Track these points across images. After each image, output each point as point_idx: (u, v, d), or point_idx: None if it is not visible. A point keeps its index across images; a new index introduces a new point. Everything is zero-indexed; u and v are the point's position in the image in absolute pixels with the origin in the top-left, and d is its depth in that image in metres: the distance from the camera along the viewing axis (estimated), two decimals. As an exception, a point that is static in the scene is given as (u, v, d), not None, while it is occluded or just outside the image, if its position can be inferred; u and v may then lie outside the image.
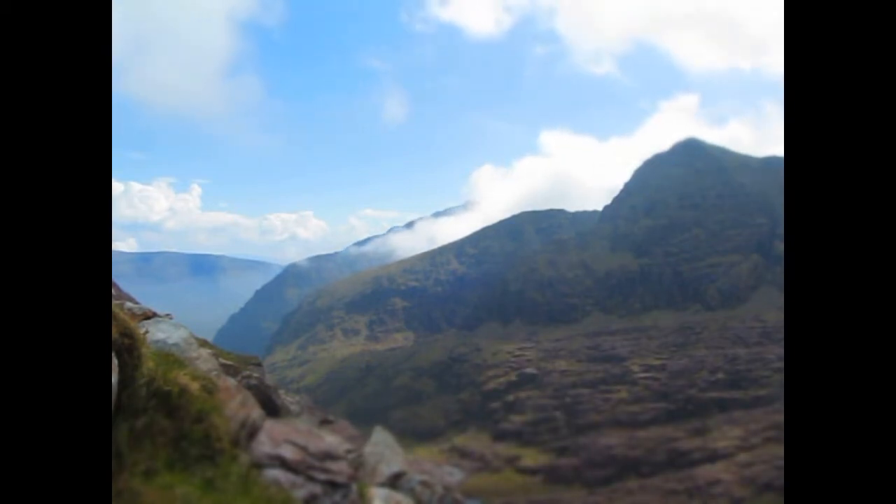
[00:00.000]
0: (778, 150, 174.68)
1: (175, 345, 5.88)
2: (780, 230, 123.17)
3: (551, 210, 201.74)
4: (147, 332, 5.46)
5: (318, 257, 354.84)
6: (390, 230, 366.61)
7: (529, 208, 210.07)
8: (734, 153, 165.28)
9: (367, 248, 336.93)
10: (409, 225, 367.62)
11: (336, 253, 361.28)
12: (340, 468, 5.83)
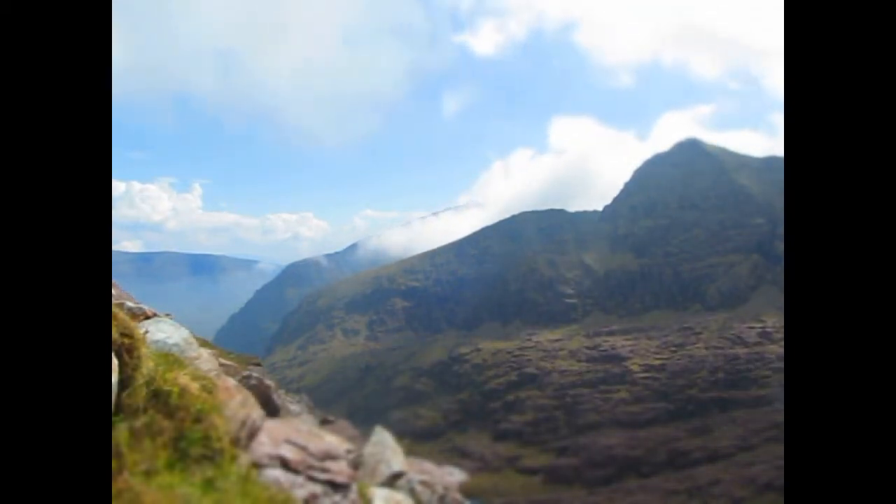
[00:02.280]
0: (778, 150, 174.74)
1: (175, 345, 5.88)
2: (780, 230, 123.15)
3: (551, 210, 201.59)
4: (147, 332, 5.46)
5: (318, 257, 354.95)
6: (391, 230, 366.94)
7: (535, 207, 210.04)
8: (734, 153, 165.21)
9: (368, 247, 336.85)
10: (410, 224, 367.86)
11: (336, 253, 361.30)
12: (340, 468, 5.83)
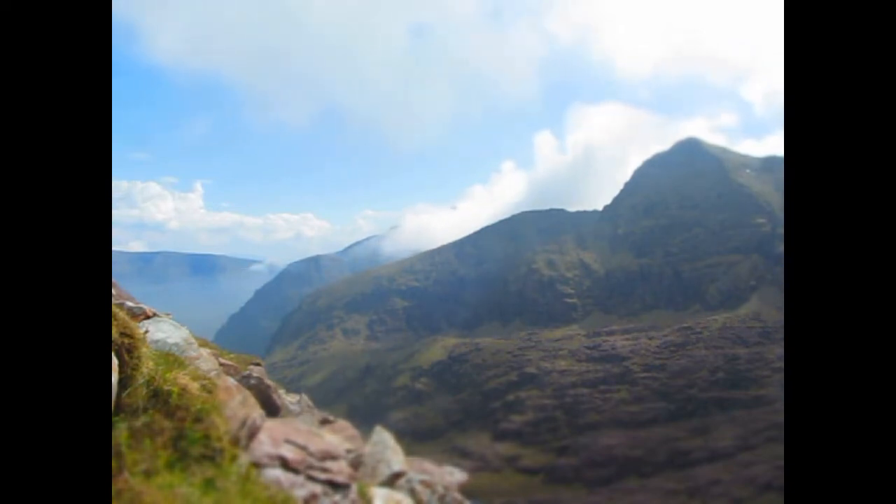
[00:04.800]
0: (779, 150, 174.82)
1: (175, 345, 5.88)
2: (780, 230, 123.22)
3: (551, 210, 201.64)
4: (147, 331, 5.46)
5: (319, 257, 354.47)
6: (391, 229, 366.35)
7: (534, 207, 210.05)
8: (734, 153, 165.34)
9: (368, 247, 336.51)
10: (410, 224, 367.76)
11: (336, 253, 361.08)
12: (340, 468, 5.83)
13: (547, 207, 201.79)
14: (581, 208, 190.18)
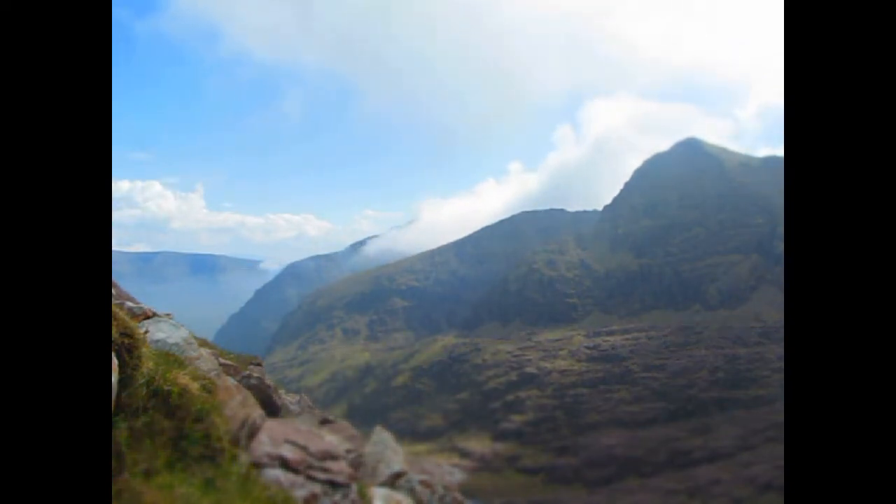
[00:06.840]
0: (779, 150, 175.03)
1: (175, 345, 5.88)
2: (780, 230, 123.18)
3: (551, 210, 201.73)
4: (147, 331, 5.46)
5: (319, 257, 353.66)
6: (391, 229, 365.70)
7: (531, 207, 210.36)
8: (734, 153, 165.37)
9: (368, 247, 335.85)
10: (409, 224, 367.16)
11: (336, 253, 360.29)
12: (340, 468, 5.83)
13: (548, 207, 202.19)
14: (587, 207, 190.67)
